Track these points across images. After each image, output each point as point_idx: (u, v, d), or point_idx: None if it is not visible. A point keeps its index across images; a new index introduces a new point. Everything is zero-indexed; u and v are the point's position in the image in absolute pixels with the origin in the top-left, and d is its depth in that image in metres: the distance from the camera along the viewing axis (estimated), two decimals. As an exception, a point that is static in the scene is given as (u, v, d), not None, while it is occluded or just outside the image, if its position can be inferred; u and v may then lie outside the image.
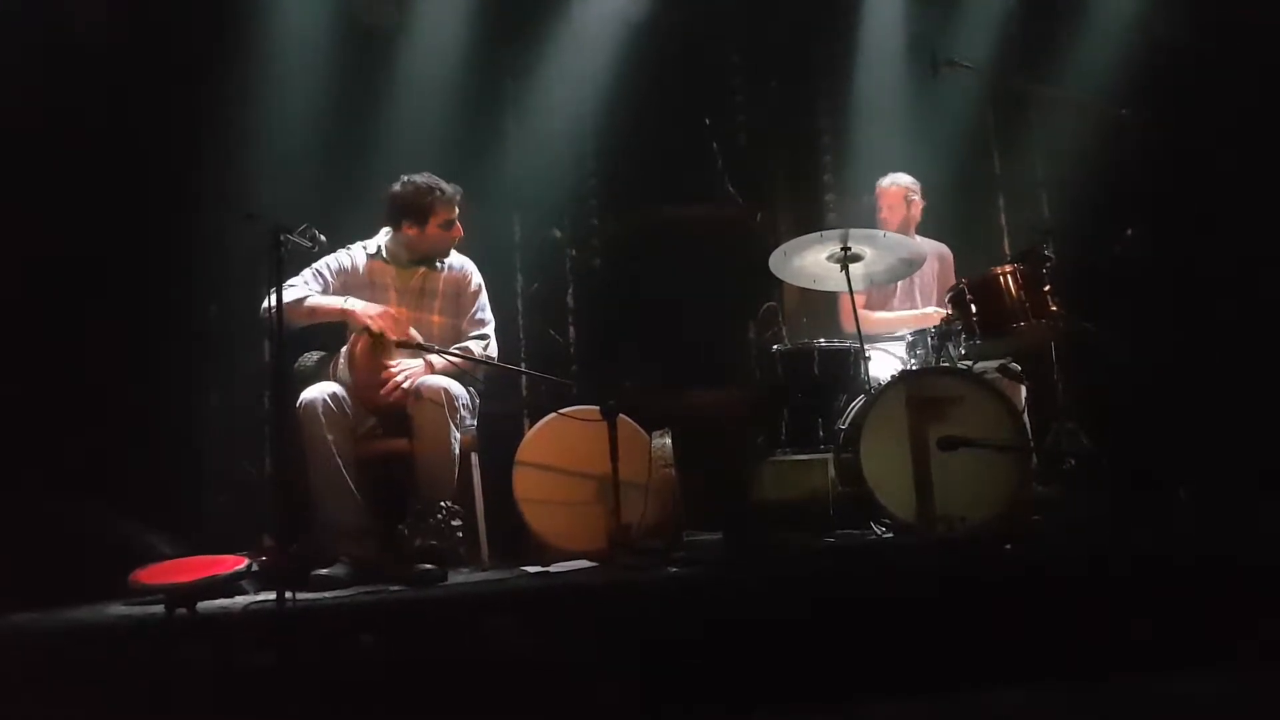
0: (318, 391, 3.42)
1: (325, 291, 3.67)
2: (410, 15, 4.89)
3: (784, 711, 2.39)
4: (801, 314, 4.94)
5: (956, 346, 3.86)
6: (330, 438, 3.37)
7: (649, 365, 4.80)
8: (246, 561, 3.26)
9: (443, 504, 3.23)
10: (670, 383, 4.70)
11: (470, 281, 3.88)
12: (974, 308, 3.76)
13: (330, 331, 3.73)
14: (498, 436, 4.04)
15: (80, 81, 4.06)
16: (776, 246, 3.98)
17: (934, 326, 3.95)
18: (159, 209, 4.18)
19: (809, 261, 3.99)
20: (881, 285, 4.38)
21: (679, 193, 5.09)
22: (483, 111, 4.98)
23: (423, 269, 3.80)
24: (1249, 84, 4.47)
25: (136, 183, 4.12)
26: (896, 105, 5.24)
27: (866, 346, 3.94)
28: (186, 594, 2.93)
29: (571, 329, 5.15)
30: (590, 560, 3.53)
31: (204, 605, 2.93)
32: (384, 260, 3.78)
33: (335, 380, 3.53)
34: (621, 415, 3.49)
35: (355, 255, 3.79)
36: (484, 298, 3.92)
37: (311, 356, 3.65)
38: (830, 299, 4.57)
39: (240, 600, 3.04)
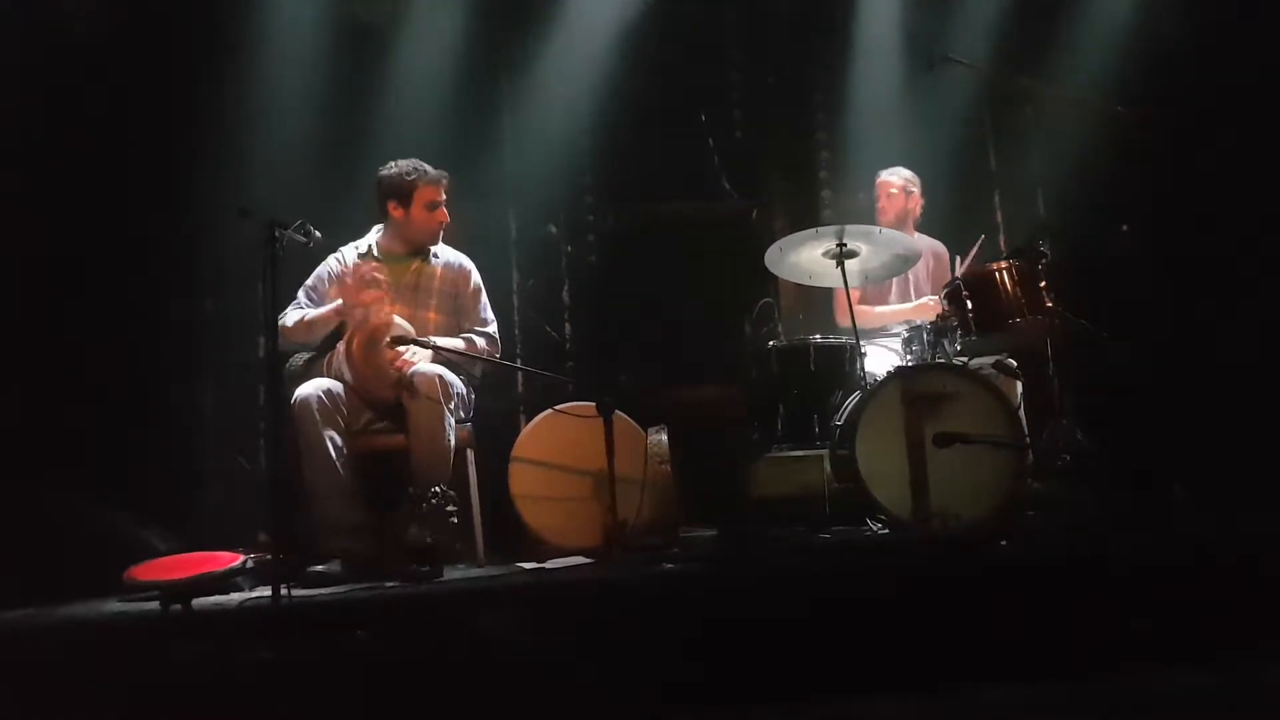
0: (313, 388, 3.42)
1: (319, 306, 3.70)
2: (405, 11, 4.88)
3: (780, 708, 2.39)
4: (797, 310, 4.94)
5: (952, 342, 3.87)
6: (326, 434, 3.36)
7: (645, 362, 4.81)
8: (242, 558, 3.25)
9: (436, 488, 3.23)
10: (666, 379, 4.70)
11: (469, 280, 3.88)
12: (970, 304, 3.76)
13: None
14: (494, 433, 4.04)
15: (74, 77, 4.05)
16: (772, 243, 3.98)
17: (930, 323, 3.95)
18: (153, 205, 4.18)
19: (805, 258, 4.00)
20: (877, 281, 4.38)
21: (675, 189, 5.09)
22: (478, 108, 4.97)
23: (416, 264, 3.80)
24: (1246, 80, 4.47)
25: (130, 179, 4.12)
26: (893, 102, 5.24)
27: (862, 342, 3.95)
28: (182, 590, 2.92)
29: (567, 325, 5.15)
30: (586, 557, 3.53)
31: (199, 602, 2.93)
32: (376, 258, 3.77)
33: (330, 376, 3.52)
34: (617, 412, 3.48)
35: (346, 256, 3.79)
36: (485, 297, 3.92)
37: (300, 358, 3.65)
38: (826, 295, 4.57)
39: (236, 597, 3.04)
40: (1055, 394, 3.99)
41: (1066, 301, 3.75)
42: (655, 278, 4.97)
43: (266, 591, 2.75)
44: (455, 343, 3.70)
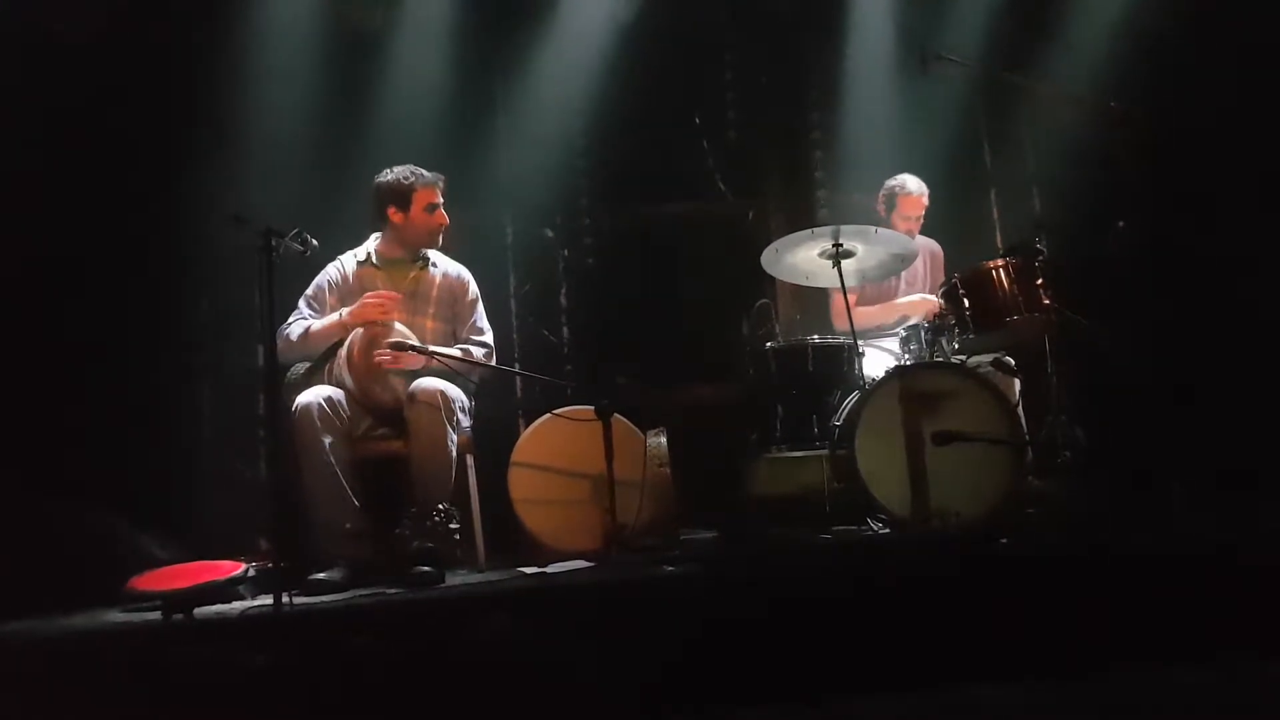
0: (313, 395, 3.42)
1: (321, 315, 3.70)
2: (399, 15, 4.88)
3: (780, 707, 2.39)
4: (795, 311, 4.94)
5: (950, 341, 3.87)
6: (327, 441, 3.36)
7: (643, 364, 4.80)
8: (243, 566, 3.26)
9: (440, 506, 3.23)
10: (664, 381, 4.70)
11: (467, 290, 3.89)
12: (967, 302, 3.77)
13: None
14: (493, 438, 4.03)
15: (69, 81, 4.05)
16: (768, 244, 3.98)
17: (927, 321, 3.96)
18: (150, 210, 4.17)
19: (801, 258, 4.00)
20: (874, 281, 4.38)
21: (670, 191, 5.10)
22: (473, 112, 4.97)
23: (414, 271, 3.81)
24: (1241, 75, 4.47)
25: (130, 180, 4.12)
26: (888, 101, 5.24)
27: (860, 342, 3.95)
28: (184, 600, 2.93)
29: (565, 329, 5.15)
30: (587, 560, 3.53)
31: (201, 611, 2.93)
32: (374, 265, 3.78)
33: (331, 384, 3.53)
34: (616, 415, 3.50)
35: (345, 264, 3.80)
36: (481, 308, 3.93)
37: (300, 368, 3.65)
38: (823, 296, 4.57)
39: (238, 605, 3.04)
40: (1053, 391, 4.00)
41: (1064, 299, 3.75)
42: (652, 280, 4.98)
43: (268, 599, 2.75)
44: (453, 352, 3.71)
